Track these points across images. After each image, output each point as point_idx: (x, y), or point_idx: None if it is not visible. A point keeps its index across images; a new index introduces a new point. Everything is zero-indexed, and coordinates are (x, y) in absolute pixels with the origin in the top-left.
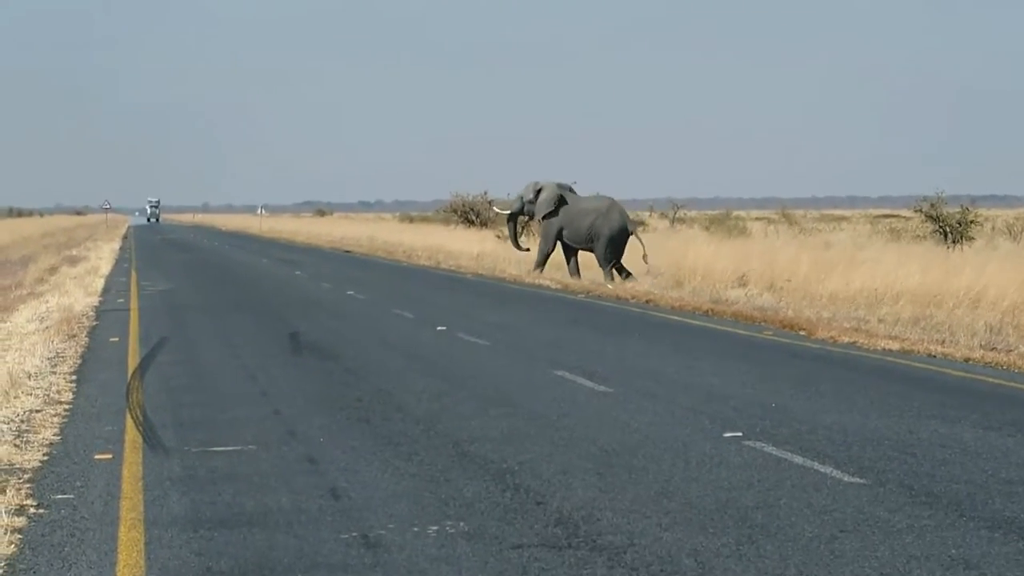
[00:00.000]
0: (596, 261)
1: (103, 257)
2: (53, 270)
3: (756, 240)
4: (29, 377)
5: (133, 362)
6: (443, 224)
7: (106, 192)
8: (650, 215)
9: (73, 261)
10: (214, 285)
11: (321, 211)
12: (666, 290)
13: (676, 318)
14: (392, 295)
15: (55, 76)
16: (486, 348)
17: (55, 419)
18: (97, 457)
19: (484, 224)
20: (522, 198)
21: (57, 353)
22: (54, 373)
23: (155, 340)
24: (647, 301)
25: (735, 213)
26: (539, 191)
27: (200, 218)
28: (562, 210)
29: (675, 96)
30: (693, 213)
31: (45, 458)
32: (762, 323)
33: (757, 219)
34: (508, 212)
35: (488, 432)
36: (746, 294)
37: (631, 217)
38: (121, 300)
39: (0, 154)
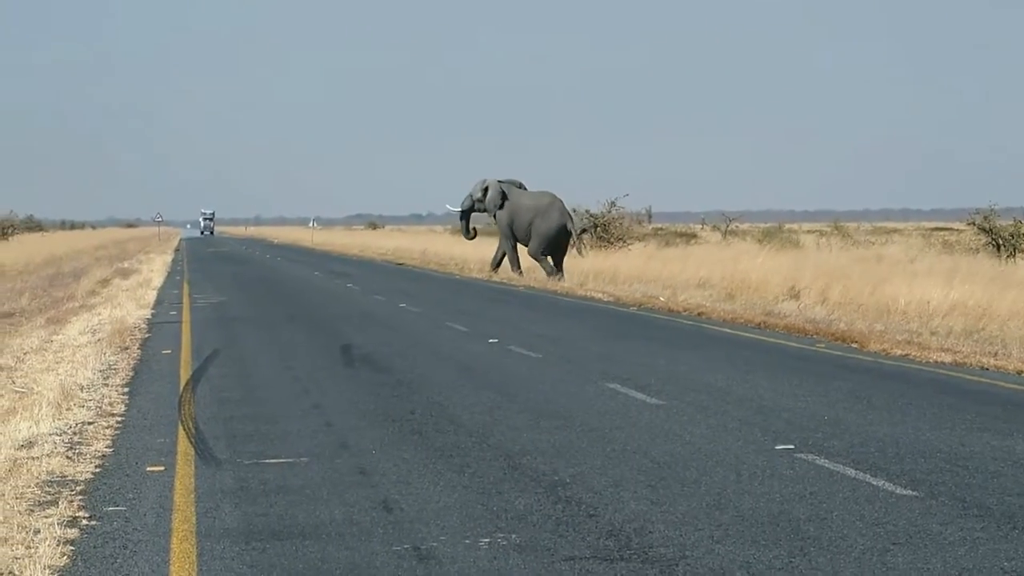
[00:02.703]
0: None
1: (155, 270)
2: (105, 282)
3: (808, 253)
4: (81, 389)
5: (185, 374)
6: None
7: (158, 205)
8: (702, 228)
9: (125, 274)
10: (266, 298)
11: (373, 224)
12: (718, 303)
13: (728, 331)
14: (444, 307)
15: (106, 91)
16: (538, 360)
17: (107, 431)
18: (149, 469)
19: None
20: (471, 196)
21: (109, 365)
22: (106, 385)
23: (207, 352)
24: (699, 314)
25: (787, 226)
26: (486, 189)
27: (252, 231)
28: (507, 205)
29: (726, 108)
30: (745, 226)
31: (97, 470)
32: (814, 336)
33: (809, 232)
34: (460, 210)
35: (540, 445)
36: (798, 307)
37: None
38: (173, 312)
39: (53, 168)
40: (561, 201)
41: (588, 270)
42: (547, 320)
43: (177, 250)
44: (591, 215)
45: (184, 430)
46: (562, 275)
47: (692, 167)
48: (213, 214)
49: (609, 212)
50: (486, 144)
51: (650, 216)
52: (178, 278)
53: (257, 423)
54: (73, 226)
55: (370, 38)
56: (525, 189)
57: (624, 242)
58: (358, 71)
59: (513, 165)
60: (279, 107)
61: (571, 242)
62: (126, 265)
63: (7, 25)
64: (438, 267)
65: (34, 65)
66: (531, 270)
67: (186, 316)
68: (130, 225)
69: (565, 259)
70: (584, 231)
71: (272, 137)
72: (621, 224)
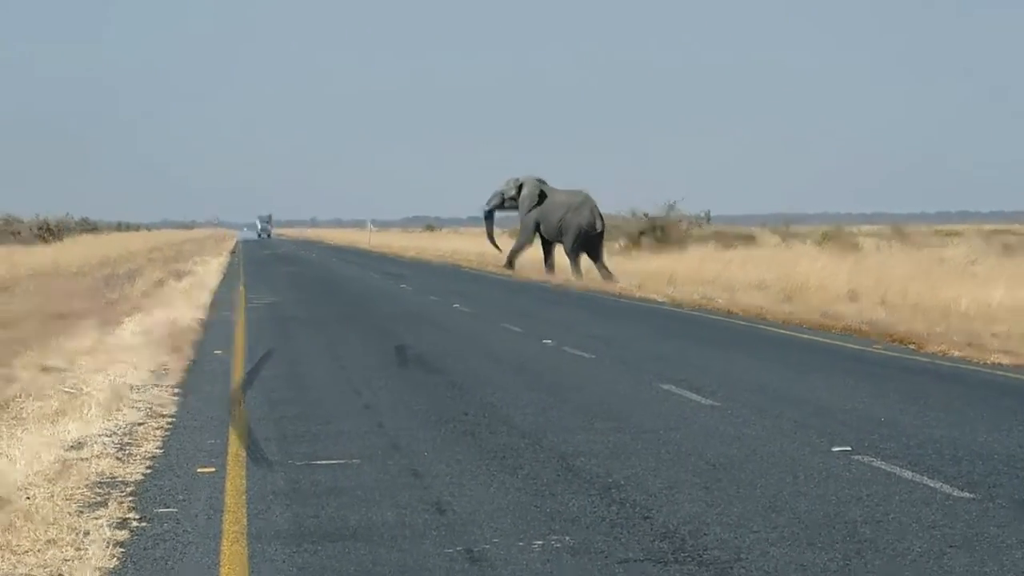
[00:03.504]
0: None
1: (210, 271)
2: (160, 284)
3: (867, 255)
4: (133, 390)
5: (237, 375)
6: None
7: (214, 207)
8: (760, 230)
9: (179, 275)
10: (321, 298)
11: (430, 226)
12: (776, 304)
13: (785, 332)
14: (499, 309)
15: (160, 95)
16: (592, 361)
17: (158, 432)
18: (200, 470)
19: None
20: (503, 194)
21: (161, 366)
22: (158, 386)
23: (260, 353)
24: (756, 315)
25: (846, 228)
26: (520, 186)
27: (309, 232)
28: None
29: (785, 111)
30: (804, 228)
31: (148, 471)
32: (872, 337)
33: (868, 235)
34: (487, 209)
35: (594, 446)
36: (857, 308)
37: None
38: (227, 313)
39: (108, 169)
40: (593, 201)
41: (645, 272)
42: (603, 321)
43: (233, 252)
44: (649, 218)
45: (235, 431)
46: (611, 275)
47: (752, 170)
48: (270, 217)
49: (667, 215)
50: (543, 146)
51: (708, 218)
52: (233, 279)
53: (309, 424)
54: (128, 228)
55: (428, 41)
56: (550, 186)
57: (682, 244)
58: (416, 73)
59: (571, 168)
60: (336, 109)
61: (600, 241)
62: (181, 267)
63: (77, 30)
64: (494, 269)
65: (88, 71)
66: (587, 272)
67: (240, 317)
68: (186, 227)
69: (606, 258)
70: (642, 233)
71: (329, 139)
72: (679, 226)
